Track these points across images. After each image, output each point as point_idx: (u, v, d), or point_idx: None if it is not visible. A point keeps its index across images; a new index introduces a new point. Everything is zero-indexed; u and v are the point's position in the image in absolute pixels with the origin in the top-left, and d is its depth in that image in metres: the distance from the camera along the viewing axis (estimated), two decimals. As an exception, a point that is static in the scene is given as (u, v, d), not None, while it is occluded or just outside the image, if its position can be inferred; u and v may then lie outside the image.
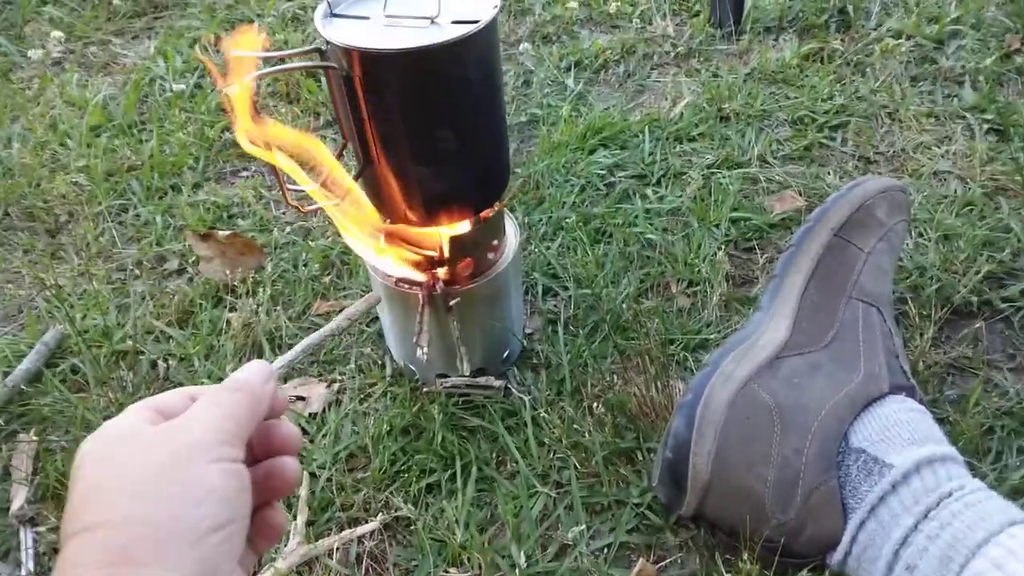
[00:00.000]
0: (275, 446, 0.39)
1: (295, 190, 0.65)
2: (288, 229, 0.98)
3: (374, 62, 0.55)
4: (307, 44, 0.58)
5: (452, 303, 0.69)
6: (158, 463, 0.32)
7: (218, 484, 0.33)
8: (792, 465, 0.57)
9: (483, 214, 0.68)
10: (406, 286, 0.70)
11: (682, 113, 1.12)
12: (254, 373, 0.38)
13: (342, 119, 0.62)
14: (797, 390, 0.60)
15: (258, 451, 0.39)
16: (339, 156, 0.66)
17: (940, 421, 0.70)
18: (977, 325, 0.78)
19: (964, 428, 0.68)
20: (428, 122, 0.58)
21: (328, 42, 0.56)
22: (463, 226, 0.68)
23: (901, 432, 0.58)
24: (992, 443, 0.69)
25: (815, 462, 0.57)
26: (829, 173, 1.00)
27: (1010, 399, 0.72)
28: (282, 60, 0.59)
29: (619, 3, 1.39)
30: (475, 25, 0.55)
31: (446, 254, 0.68)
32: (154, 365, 0.83)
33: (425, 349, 0.68)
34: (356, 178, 0.64)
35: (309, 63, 0.57)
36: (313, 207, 0.70)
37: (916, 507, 0.53)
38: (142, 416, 0.35)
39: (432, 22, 0.57)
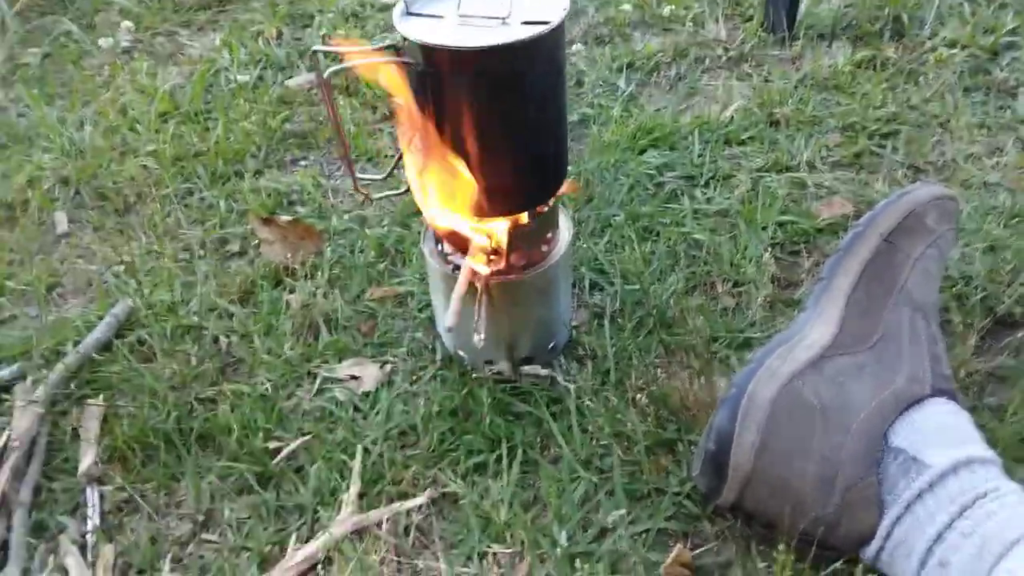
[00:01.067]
0: None
1: (364, 179, 0.69)
2: (346, 216, 1.02)
3: (448, 58, 0.58)
4: (370, 40, 0.61)
5: (505, 293, 0.72)
6: None
7: None
8: (832, 461, 0.59)
9: (539, 208, 0.71)
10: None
11: (732, 116, 1.14)
12: None
13: (412, 113, 0.65)
14: (841, 389, 0.62)
15: None
16: (402, 153, 0.70)
17: (980, 427, 0.71)
18: (1020, 335, 0.79)
19: (1002, 435, 0.69)
20: (496, 118, 0.61)
21: (405, 38, 0.59)
22: (522, 218, 0.70)
23: (941, 433, 0.59)
24: (1031, 452, 0.70)
25: (855, 459, 0.59)
26: (878, 180, 1.01)
27: (1052, 410, 0.73)
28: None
29: (672, 6, 1.41)
30: (546, 26, 0.58)
31: (504, 245, 0.71)
32: (216, 340, 0.87)
33: (482, 336, 0.71)
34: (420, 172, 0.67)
35: (386, 58, 0.61)
36: (381, 195, 0.73)
37: (951, 506, 0.54)
38: None
39: (503, 22, 0.60)
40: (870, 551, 0.58)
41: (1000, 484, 0.56)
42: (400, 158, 0.68)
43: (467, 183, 0.64)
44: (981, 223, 0.93)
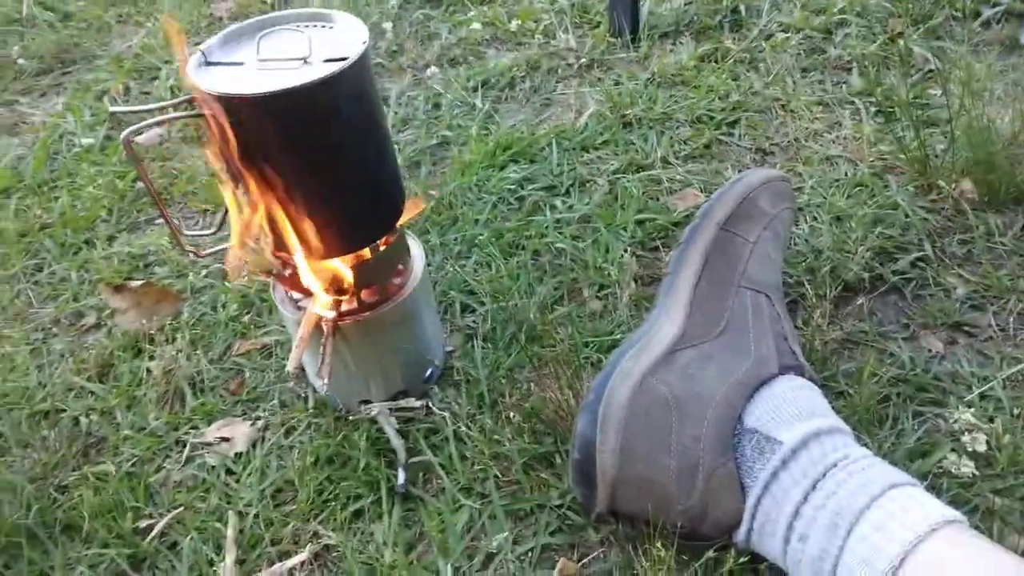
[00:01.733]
0: None
1: (192, 235, 0.66)
2: (204, 272, 0.98)
3: (243, 106, 0.56)
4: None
5: (359, 331, 0.71)
6: None
7: None
8: (691, 452, 0.60)
9: (381, 241, 0.70)
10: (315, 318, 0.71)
11: (587, 123, 1.16)
12: None
13: (227, 164, 0.63)
14: (692, 380, 0.63)
15: None
16: (227, 207, 0.68)
17: (839, 395, 0.74)
18: (869, 298, 0.83)
19: (860, 398, 0.72)
20: (310, 159, 0.60)
21: (199, 90, 0.58)
22: (364, 254, 0.69)
23: (789, 409, 0.61)
24: (888, 410, 0.73)
25: (712, 447, 0.60)
26: (728, 168, 1.04)
27: (903, 367, 0.76)
28: (160, 111, 0.61)
29: (520, 21, 1.43)
30: (344, 62, 0.57)
31: (351, 283, 0.70)
32: (76, 422, 0.83)
33: (326, 381, 0.69)
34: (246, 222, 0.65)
35: (184, 113, 0.59)
36: (209, 251, 0.71)
37: (804, 480, 0.56)
38: None
39: (305, 62, 0.59)
40: (740, 535, 0.59)
41: (850, 452, 0.58)
42: (227, 211, 0.66)
43: (296, 228, 0.62)
44: (826, 196, 0.97)
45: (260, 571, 0.67)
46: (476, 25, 1.43)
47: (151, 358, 0.88)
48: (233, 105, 0.56)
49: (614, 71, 1.29)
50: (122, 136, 0.57)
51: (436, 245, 0.97)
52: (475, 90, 1.28)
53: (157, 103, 0.59)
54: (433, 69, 1.35)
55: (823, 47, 1.28)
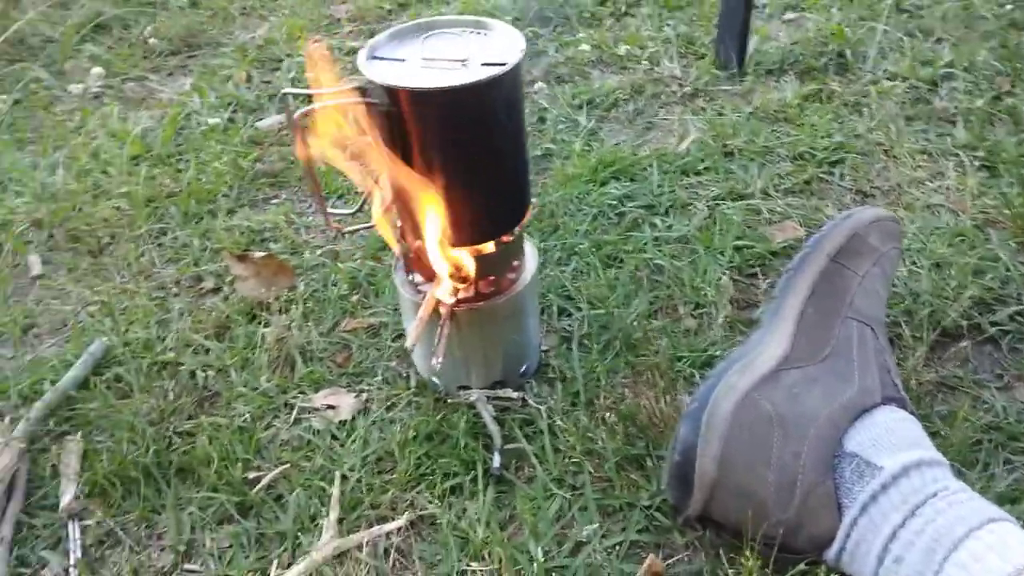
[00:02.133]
0: None
1: (336, 214, 0.72)
2: (318, 252, 1.04)
3: (411, 98, 0.61)
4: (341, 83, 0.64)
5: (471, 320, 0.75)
6: None
7: None
8: (791, 468, 0.62)
9: (505, 237, 0.74)
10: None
11: (688, 149, 1.19)
12: None
13: (379, 151, 0.68)
14: (796, 400, 0.65)
15: None
16: (370, 189, 0.73)
17: (931, 435, 0.75)
18: (965, 345, 0.84)
19: (953, 440, 0.73)
20: (458, 153, 0.65)
21: (371, 81, 0.63)
22: (488, 247, 0.74)
23: (891, 438, 0.63)
24: (980, 455, 0.74)
25: (812, 465, 0.62)
26: (828, 205, 1.06)
27: (997, 415, 0.77)
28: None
29: (628, 46, 1.47)
30: (503, 67, 0.62)
31: (471, 273, 0.74)
32: (192, 375, 0.89)
33: (440, 360, 0.73)
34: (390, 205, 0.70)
35: (352, 99, 0.64)
36: (352, 228, 0.76)
37: (904, 505, 0.58)
38: None
39: (463, 64, 0.64)
40: (831, 552, 0.61)
41: (948, 484, 0.60)
42: (369, 194, 0.71)
43: (433, 216, 0.67)
44: (926, 242, 0.98)
45: (359, 531, 0.71)
46: (584, 47, 1.48)
47: (265, 325, 0.93)
48: (403, 97, 0.61)
49: (717, 102, 1.32)
50: (295, 115, 0.62)
51: (538, 249, 1.01)
52: (580, 107, 1.32)
53: (326, 89, 0.65)
54: (540, 84, 1.40)
55: (928, 98, 1.29)
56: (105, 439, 0.82)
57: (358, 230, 0.73)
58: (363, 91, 0.64)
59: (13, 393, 0.87)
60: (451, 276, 0.74)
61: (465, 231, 0.70)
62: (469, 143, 0.65)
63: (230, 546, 0.71)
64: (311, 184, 0.69)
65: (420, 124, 0.63)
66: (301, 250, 1.05)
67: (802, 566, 0.62)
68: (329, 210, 0.72)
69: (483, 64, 0.64)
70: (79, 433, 0.82)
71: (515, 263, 0.79)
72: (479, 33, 0.68)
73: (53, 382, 0.88)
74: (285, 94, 0.65)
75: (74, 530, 0.74)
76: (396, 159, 0.66)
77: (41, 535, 0.74)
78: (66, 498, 0.76)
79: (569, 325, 0.91)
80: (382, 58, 0.66)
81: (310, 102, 0.66)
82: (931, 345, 0.84)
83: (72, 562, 0.71)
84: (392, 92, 0.62)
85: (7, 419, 0.83)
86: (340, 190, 1.16)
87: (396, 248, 0.72)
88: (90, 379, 0.88)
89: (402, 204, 0.70)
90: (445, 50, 0.66)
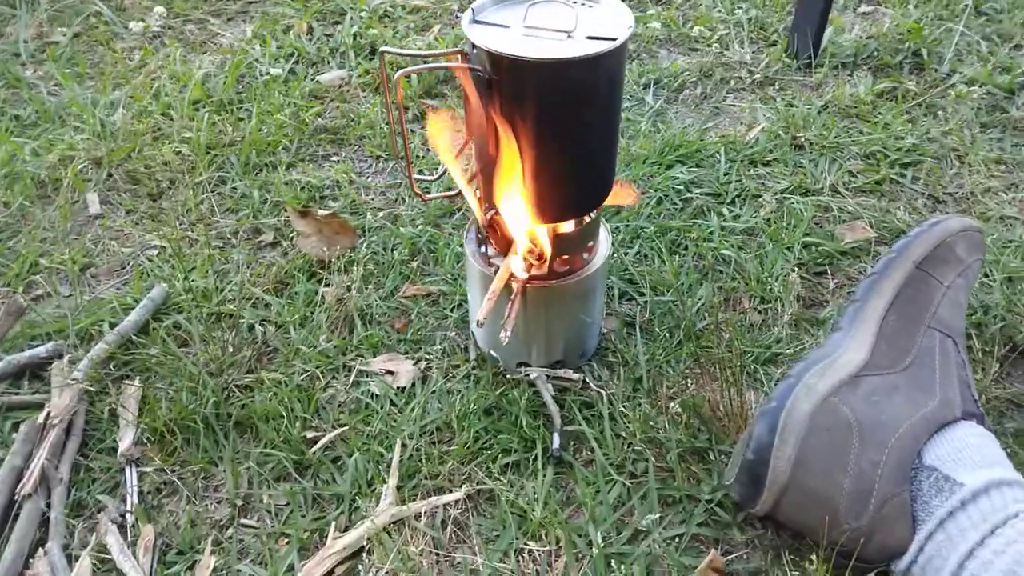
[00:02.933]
0: None
1: (420, 180, 0.70)
2: (379, 214, 1.03)
3: (517, 68, 0.60)
4: (399, 42, 0.62)
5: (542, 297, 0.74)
6: None
7: None
8: (868, 476, 0.61)
9: (585, 217, 0.73)
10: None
11: (757, 138, 1.17)
12: None
13: (471, 118, 0.67)
14: (876, 408, 0.64)
15: None
16: (459, 153, 0.71)
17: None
18: (1039, 365, 0.82)
19: (1023, 459, 0.72)
20: (555, 128, 0.63)
21: (474, 46, 0.61)
22: (568, 226, 0.72)
23: (972, 454, 0.61)
24: (1049, 477, 0.72)
25: (890, 475, 0.61)
26: (899, 208, 1.04)
27: (1068, 437, 0.76)
28: (425, 60, 0.65)
29: (700, 27, 1.44)
30: (613, 42, 0.60)
31: (548, 251, 0.73)
32: (251, 328, 0.88)
33: (508, 333, 0.72)
34: (475, 174, 0.69)
35: (454, 64, 0.62)
36: (434, 196, 0.75)
37: (984, 524, 0.57)
38: None
39: (568, 36, 0.62)
40: (902, 564, 0.60)
41: (1030, 506, 0.59)
42: (460, 153, 0.70)
43: (522, 189, 0.65)
44: (999, 255, 0.96)
45: (417, 500, 0.71)
46: (654, 24, 1.45)
47: (325, 284, 0.93)
48: (504, 65, 0.59)
49: (788, 92, 1.29)
50: (396, 75, 0.61)
51: (609, 230, 1.00)
52: (647, 87, 1.30)
53: (428, 51, 0.63)
54: (606, 59, 1.37)
55: (1004, 106, 1.26)
56: (164, 387, 0.82)
57: (441, 197, 0.72)
58: (464, 55, 0.63)
59: (72, 332, 0.87)
60: (528, 252, 0.73)
61: (549, 208, 0.69)
62: (566, 118, 0.63)
63: (287, 504, 0.72)
64: (398, 148, 0.68)
65: (518, 94, 0.62)
66: (362, 211, 1.04)
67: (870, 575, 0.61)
68: (415, 176, 0.70)
69: (588, 37, 0.62)
70: (138, 379, 0.82)
71: (590, 244, 0.77)
72: (586, 5, 0.66)
73: (112, 324, 0.88)
74: (383, 52, 0.64)
75: (132, 476, 0.74)
76: (491, 128, 0.64)
77: (99, 478, 0.74)
78: (125, 443, 0.76)
79: (631, 309, 0.90)
80: (485, 22, 0.64)
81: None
82: (1001, 360, 0.83)
83: (129, 507, 0.72)
84: (494, 59, 0.60)
85: (66, 359, 0.83)
86: (379, 153, 1.15)
87: (481, 218, 0.71)
88: (150, 324, 0.88)
89: (488, 174, 0.69)
90: (550, 19, 0.64)
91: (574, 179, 0.68)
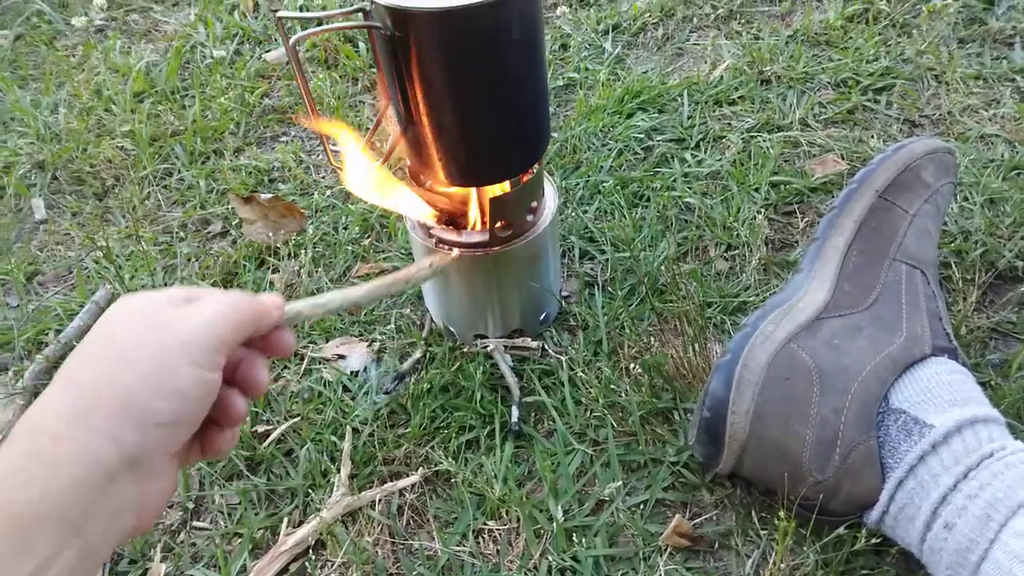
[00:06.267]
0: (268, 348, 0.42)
1: (339, 151, 0.66)
2: (328, 193, 0.99)
3: (417, 21, 0.55)
4: (349, 5, 0.58)
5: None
6: (149, 350, 0.35)
7: (187, 388, 0.35)
8: (831, 425, 0.57)
9: (523, 176, 0.69)
10: (445, 247, 0.71)
11: (722, 76, 1.11)
12: (270, 299, 0.42)
13: (383, 80, 0.62)
14: (837, 351, 0.60)
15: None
16: (378, 121, 0.67)
17: (982, 385, 0.69)
18: (1022, 290, 0.77)
19: (1007, 392, 0.68)
20: (469, 82, 0.59)
21: (373, 2, 0.57)
22: (504, 187, 0.68)
23: (942, 393, 0.57)
24: (1036, 408, 0.68)
25: (854, 422, 0.57)
26: (873, 137, 0.98)
27: (1055, 364, 0.71)
28: (320, 22, 0.60)
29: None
30: (517, -17, 0.55)
31: (487, 215, 0.69)
32: (200, 324, 0.85)
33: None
34: (396, 142, 0.65)
35: (353, 23, 0.58)
36: (356, 167, 0.71)
37: (956, 467, 0.53)
38: (173, 297, 0.38)
39: (474, -18, 0.57)
40: (873, 515, 0.56)
41: (1005, 443, 0.55)
42: (375, 128, 0.66)
43: (444, 151, 0.61)
44: (979, 176, 0.90)
45: (372, 487, 0.68)
46: (610, -34, 1.38)
47: (274, 270, 0.89)
48: (407, 19, 0.54)
49: (754, 24, 1.22)
50: (291, 41, 0.57)
51: (559, 188, 0.95)
52: (605, 33, 1.24)
53: (325, 12, 0.59)
54: (563, 8, 1.31)
55: (983, 18, 1.19)
56: (111, 390, 0.79)
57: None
58: (365, 13, 0.58)
59: (17, 344, 0.84)
60: (463, 219, 0.69)
61: (478, 170, 0.65)
62: (483, 71, 0.58)
63: (239, 503, 0.69)
64: (312, 118, 0.63)
65: (423, 50, 0.57)
66: (311, 191, 1.00)
67: (841, 529, 0.58)
68: (332, 148, 0.66)
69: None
70: (84, 384, 0.79)
71: (533, 204, 0.73)
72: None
73: (58, 332, 0.85)
74: (281, 17, 0.59)
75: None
76: (403, 90, 0.60)
77: (47, 490, 0.72)
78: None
79: (592, 269, 0.86)
80: (384, -23, 0.60)
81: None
82: (984, 288, 0.78)
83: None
84: (393, 13, 0.56)
85: (11, 371, 0.80)
86: (351, 126, 1.11)
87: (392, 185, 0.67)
88: (95, 328, 0.85)
89: (410, 140, 0.64)
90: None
91: (501, 136, 0.64)
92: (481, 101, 0.60)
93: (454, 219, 0.70)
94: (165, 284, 0.90)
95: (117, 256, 0.94)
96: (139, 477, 0.34)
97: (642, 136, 1.02)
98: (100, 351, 0.35)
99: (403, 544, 0.65)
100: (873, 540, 0.56)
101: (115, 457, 0.33)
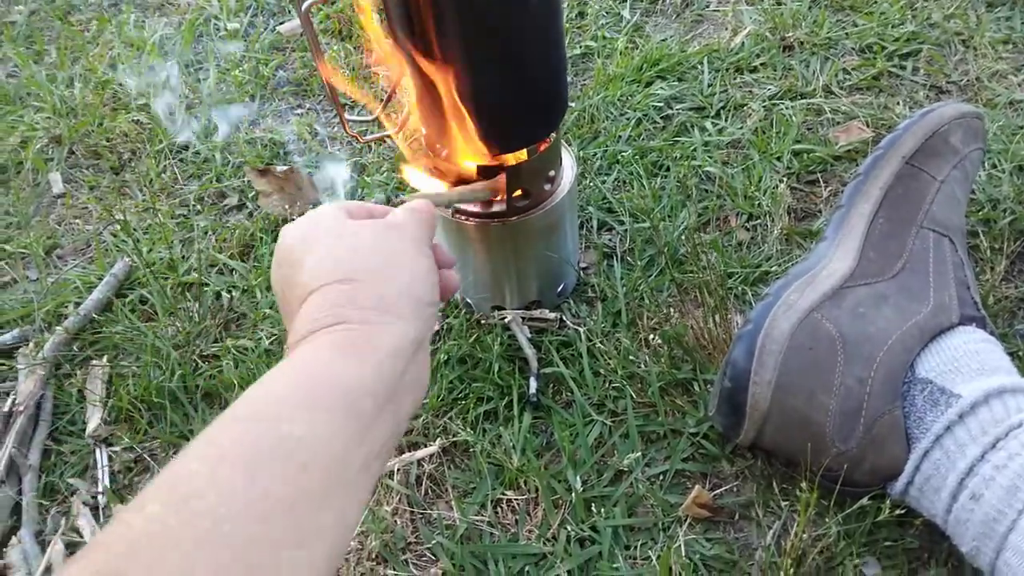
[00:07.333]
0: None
1: (354, 120, 0.65)
2: (343, 165, 0.98)
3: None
4: None
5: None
6: (389, 244, 0.43)
7: (431, 271, 0.44)
8: (855, 395, 0.56)
9: (540, 145, 0.68)
10: (463, 217, 0.70)
11: (743, 43, 1.09)
12: (424, 203, 0.50)
13: (398, 46, 0.61)
14: (863, 320, 0.59)
15: None
16: (392, 92, 0.66)
17: (1010, 355, 0.68)
18: (1053, 258, 0.75)
19: (1035, 363, 0.66)
20: (486, 46, 0.57)
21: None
22: (521, 156, 0.67)
23: (970, 363, 0.56)
24: (1065, 378, 0.67)
25: (879, 392, 0.56)
26: (898, 103, 0.96)
27: (1086, 334, 0.70)
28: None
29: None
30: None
31: (503, 184, 0.68)
32: (218, 296, 0.85)
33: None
34: (410, 111, 0.64)
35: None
36: (371, 137, 0.70)
37: (983, 437, 0.52)
38: (339, 214, 0.45)
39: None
40: (898, 486, 0.55)
41: (1034, 414, 0.53)
42: (390, 98, 0.65)
43: (461, 120, 0.60)
44: (1008, 143, 0.88)
45: (390, 458, 0.68)
46: (628, -69, 1.35)
47: (290, 243, 0.89)
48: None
49: (775, -10, 1.19)
50: (304, 7, 0.56)
51: (577, 157, 0.94)
52: (623, 0, 1.21)
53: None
54: (579, -24, 1.28)
55: (1015, -21, 1.15)
56: (131, 363, 0.79)
57: (380, 138, 0.67)
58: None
59: (38, 316, 0.85)
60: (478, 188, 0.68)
61: (493, 137, 0.63)
62: (501, 34, 0.57)
63: (258, 472, 0.69)
64: (327, 88, 0.63)
65: (445, 11, 0.56)
66: (326, 163, 0.99)
67: (864, 500, 0.57)
68: (348, 117, 0.65)
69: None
70: (104, 357, 0.80)
71: (551, 173, 0.72)
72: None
73: (77, 304, 0.85)
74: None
75: (101, 456, 0.72)
76: (418, 57, 0.59)
77: (69, 461, 0.73)
78: (92, 424, 0.74)
79: (610, 240, 0.85)
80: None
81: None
82: (1012, 258, 0.76)
83: (100, 489, 0.70)
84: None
85: (32, 344, 0.81)
86: (344, 100, 1.09)
87: (410, 156, 0.66)
88: (113, 302, 0.85)
89: (423, 108, 0.63)
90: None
91: (518, 103, 0.63)
92: (497, 66, 0.58)
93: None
94: (183, 258, 0.90)
95: (135, 229, 0.94)
96: (421, 356, 0.42)
97: (661, 105, 1.00)
98: (349, 254, 0.41)
99: (422, 514, 0.65)
100: (897, 511, 0.55)
101: (414, 335, 0.40)
